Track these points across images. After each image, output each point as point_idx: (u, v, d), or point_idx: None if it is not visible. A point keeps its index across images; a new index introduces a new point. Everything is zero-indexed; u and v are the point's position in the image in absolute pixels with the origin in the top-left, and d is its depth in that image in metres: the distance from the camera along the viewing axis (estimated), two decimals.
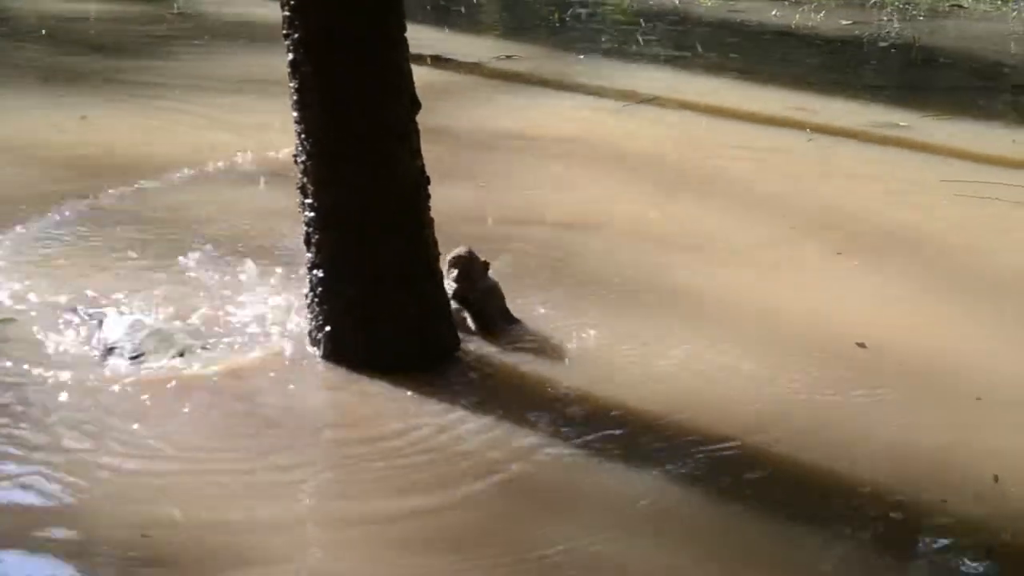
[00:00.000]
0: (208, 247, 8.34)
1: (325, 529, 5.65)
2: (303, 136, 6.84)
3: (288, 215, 7.76)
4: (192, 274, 7.92)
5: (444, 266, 7.39)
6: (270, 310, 7.39)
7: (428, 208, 7.02)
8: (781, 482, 6.07)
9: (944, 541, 5.68)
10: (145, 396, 6.49)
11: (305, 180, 6.90)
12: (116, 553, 5.32)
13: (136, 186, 9.63)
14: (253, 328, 7.23)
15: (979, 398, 6.89)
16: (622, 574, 5.36)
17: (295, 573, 5.31)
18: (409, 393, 6.65)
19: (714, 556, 5.51)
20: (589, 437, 6.36)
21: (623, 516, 5.74)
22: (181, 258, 8.11)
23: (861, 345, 7.44)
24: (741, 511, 5.82)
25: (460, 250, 7.50)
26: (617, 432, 6.40)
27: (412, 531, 5.56)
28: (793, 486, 6.04)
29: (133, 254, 8.27)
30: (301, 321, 7.14)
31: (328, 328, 6.92)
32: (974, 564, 5.54)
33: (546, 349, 7.25)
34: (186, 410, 6.40)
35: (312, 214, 6.91)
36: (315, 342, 7.01)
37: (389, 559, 5.40)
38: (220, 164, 10.29)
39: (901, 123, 12.51)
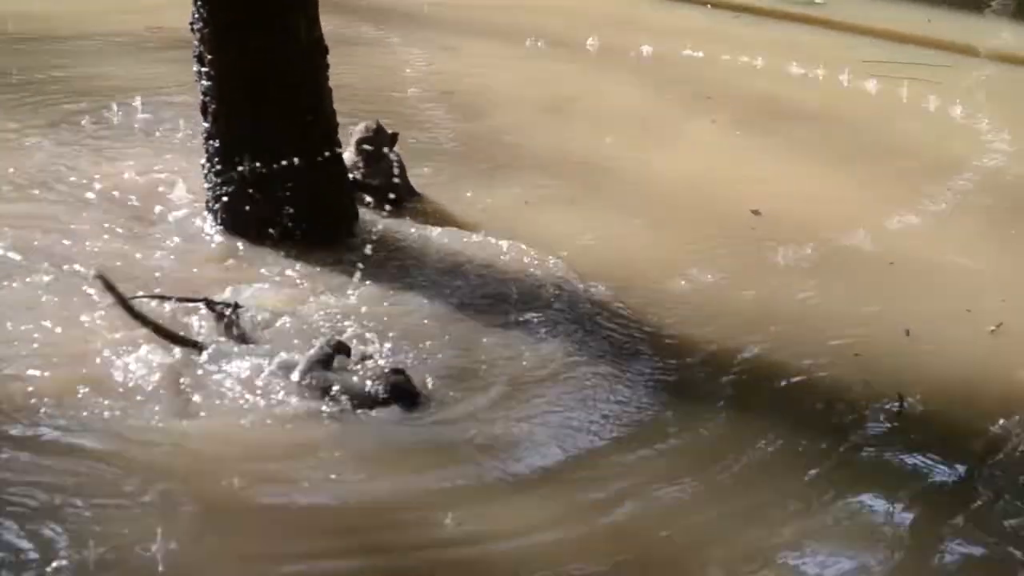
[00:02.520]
0: None
1: None
2: (199, 3, 6.72)
3: None
4: None
5: (350, 137, 7.37)
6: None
7: (326, 78, 6.94)
8: (682, 337, 6.17)
9: (858, 390, 5.79)
10: None
11: (201, 48, 6.79)
12: None
13: None
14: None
15: (892, 263, 7.06)
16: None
17: None
18: (302, 263, 6.62)
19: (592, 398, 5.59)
20: (477, 302, 6.38)
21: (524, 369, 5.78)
22: None
23: (756, 212, 7.57)
24: (628, 361, 5.90)
25: (367, 122, 7.47)
26: (509, 296, 6.44)
27: None
28: (700, 341, 6.13)
29: None
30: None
31: (224, 199, 6.87)
32: (888, 407, 5.67)
33: (445, 221, 7.28)
34: None
35: (208, 83, 6.82)
36: (212, 212, 6.95)
37: None
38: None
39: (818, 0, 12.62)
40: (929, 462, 5.31)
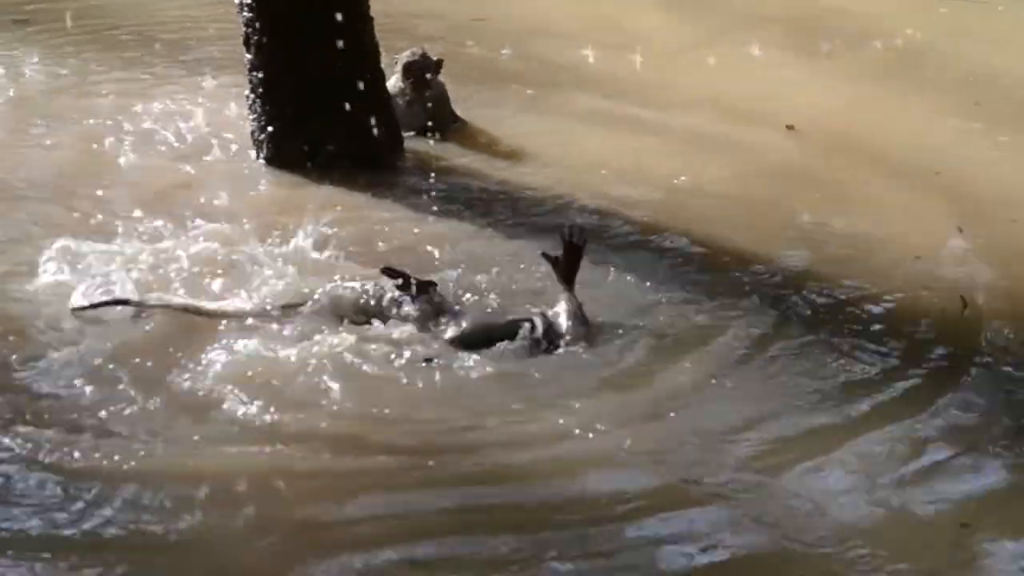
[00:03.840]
0: None
1: None
2: None
3: None
4: None
5: (395, 65, 7.38)
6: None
7: (367, 5, 6.93)
8: (726, 248, 6.15)
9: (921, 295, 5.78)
10: None
11: None
12: None
13: None
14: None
15: (938, 172, 7.02)
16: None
17: None
18: (348, 190, 6.63)
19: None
20: (521, 221, 6.41)
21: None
22: None
23: (790, 127, 7.55)
24: (667, 269, 5.92)
25: (412, 49, 7.48)
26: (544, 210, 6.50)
27: None
28: (746, 251, 6.12)
29: None
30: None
31: (269, 129, 6.88)
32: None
33: (490, 146, 7.28)
34: None
35: (249, 14, 6.83)
36: (257, 144, 6.98)
37: None
38: None
39: None
40: (994, 364, 5.24)
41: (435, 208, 6.51)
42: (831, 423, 4.75)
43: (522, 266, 5.82)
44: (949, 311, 5.61)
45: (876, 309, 5.64)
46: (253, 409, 4.66)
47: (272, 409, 4.66)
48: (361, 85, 6.86)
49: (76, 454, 4.38)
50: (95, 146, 7.05)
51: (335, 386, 4.82)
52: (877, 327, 5.46)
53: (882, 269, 5.99)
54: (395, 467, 4.43)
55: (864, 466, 4.50)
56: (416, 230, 6.25)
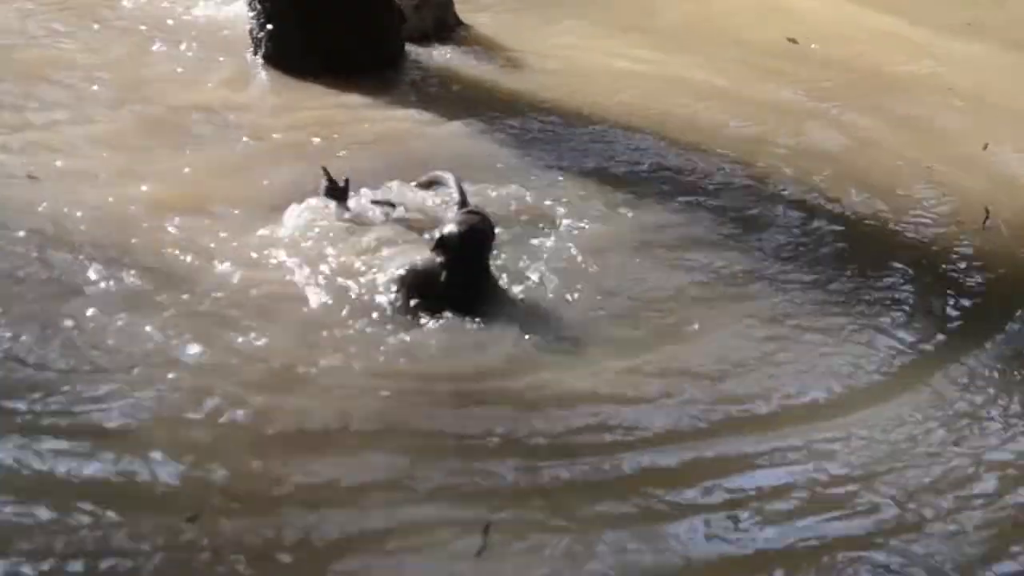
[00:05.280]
0: None
1: None
2: None
3: None
4: None
5: None
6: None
7: None
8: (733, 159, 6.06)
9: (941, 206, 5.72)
10: None
11: None
12: None
13: None
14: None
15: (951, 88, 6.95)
16: None
17: None
18: (346, 92, 6.48)
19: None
20: (525, 124, 6.29)
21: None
22: None
23: (792, 41, 7.48)
24: (659, 185, 5.79)
25: None
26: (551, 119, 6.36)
27: None
28: (753, 165, 6.03)
29: None
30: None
31: (269, 27, 6.72)
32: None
33: (492, 51, 7.15)
34: None
35: None
36: (256, 42, 6.81)
37: None
38: None
39: None
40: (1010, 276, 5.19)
41: (434, 112, 6.37)
42: None
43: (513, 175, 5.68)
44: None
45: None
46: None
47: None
48: None
49: None
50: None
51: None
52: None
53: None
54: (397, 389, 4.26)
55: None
56: (415, 133, 6.13)
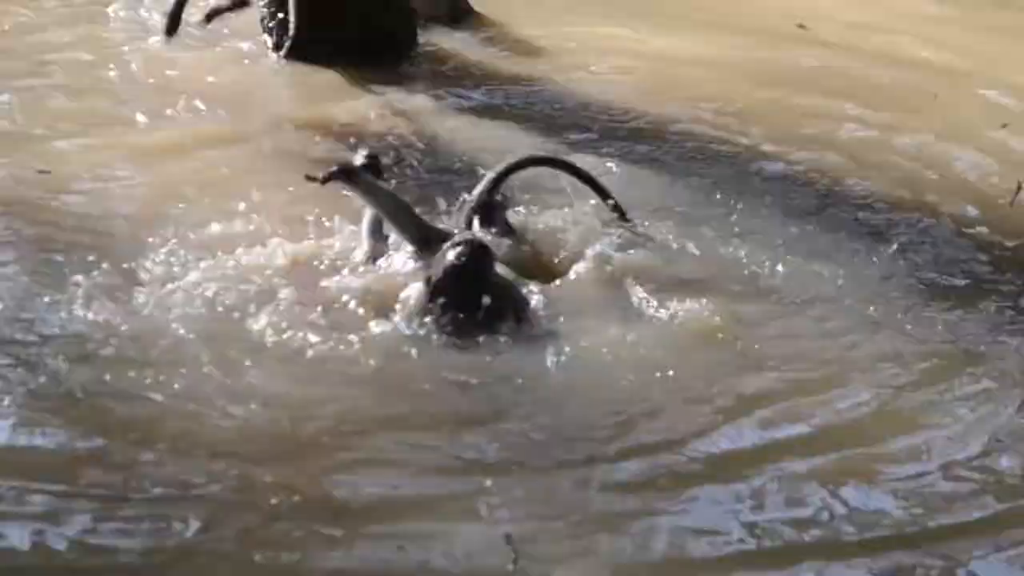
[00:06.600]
0: None
1: None
2: None
3: None
4: None
5: None
6: None
7: None
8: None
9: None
10: None
11: None
12: None
13: None
14: None
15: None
16: None
17: None
18: (360, 81, 6.48)
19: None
20: (530, 109, 6.28)
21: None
22: None
23: (801, 27, 7.44)
24: (673, 163, 5.80)
25: None
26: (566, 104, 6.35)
27: None
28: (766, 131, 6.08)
29: None
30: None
31: (280, 15, 6.66)
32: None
33: (505, 39, 7.12)
34: None
35: None
36: (267, 31, 6.76)
37: None
38: None
39: None
40: None
41: (446, 100, 6.36)
42: None
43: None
44: None
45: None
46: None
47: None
48: None
49: None
50: None
51: None
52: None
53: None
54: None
55: None
56: (429, 119, 6.12)
